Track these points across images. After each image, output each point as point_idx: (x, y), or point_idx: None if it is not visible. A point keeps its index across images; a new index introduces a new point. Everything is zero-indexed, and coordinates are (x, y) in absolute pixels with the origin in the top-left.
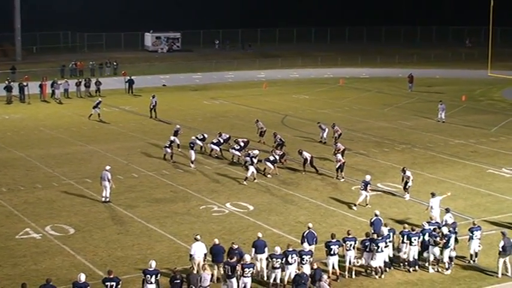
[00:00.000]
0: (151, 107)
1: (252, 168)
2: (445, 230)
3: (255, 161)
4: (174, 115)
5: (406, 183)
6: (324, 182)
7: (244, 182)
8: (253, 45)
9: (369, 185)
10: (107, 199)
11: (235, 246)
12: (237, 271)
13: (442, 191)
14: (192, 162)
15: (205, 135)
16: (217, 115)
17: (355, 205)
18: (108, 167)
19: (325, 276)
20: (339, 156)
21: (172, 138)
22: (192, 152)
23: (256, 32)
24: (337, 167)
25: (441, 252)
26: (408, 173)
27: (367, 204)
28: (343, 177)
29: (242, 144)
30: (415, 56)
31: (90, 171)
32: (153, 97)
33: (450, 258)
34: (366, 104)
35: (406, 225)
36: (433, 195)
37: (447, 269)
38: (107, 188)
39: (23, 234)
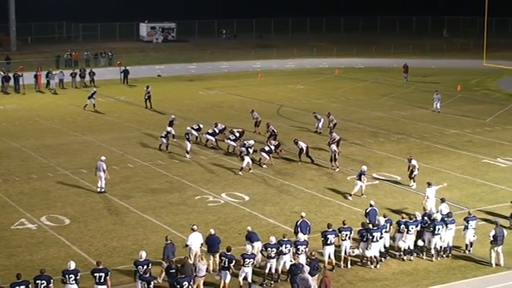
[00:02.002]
0: (146, 97)
1: (247, 159)
2: (438, 216)
3: (251, 151)
4: (169, 105)
5: (412, 171)
6: (320, 172)
7: (240, 172)
8: (238, 36)
9: (363, 175)
10: (102, 189)
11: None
12: (235, 263)
13: (437, 181)
14: (187, 153)
15: (201, 126)
16: (213, 105)
17: (350, 195)
18: (103, 158)
19: (306, 268)
20: (334, 146)
21: (168, 128)
22: (188, 142)
23: (251, 22)
24: (331, 157)
25: (430, 241)
26: (414, 162)
27: (362, 194)
28: (337, 167)
29: (237, 134)
30: (410, 46)
31: (86, 162)
32: (147, 87)
33: (445, 247)
34: (361, 94)
35: (404, 215)
36: (429, 184)
37: (431, 256)
38: (102, 179)
39: (18, 225)
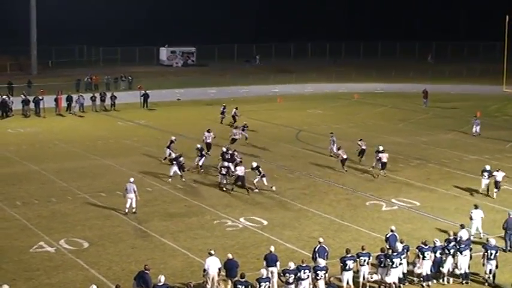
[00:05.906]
0: (225, 115)
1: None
2: (492, 241)
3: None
4: (188, 129)
5: (497, 183)
6: (338, 196)
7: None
8: (252, 59)
9: (491, 174)
10: (133, 210)
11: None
12: None
13: (458, 207)
14: (170, 178)
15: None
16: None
17: (487, 192)
18: (132, 179)
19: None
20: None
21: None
22: (175, 167)
23: (270, 47)
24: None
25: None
26: (499, 176)
27: (488, 193)
28: (345, 170)
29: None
30: (429, 71)
31: (105, 185)
32: (224, 108)
33: (462, 273)
34: (380, 119)
35: (425, 240)
36: (476, 207)
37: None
38: (133, 200)
39: (37, 248)
